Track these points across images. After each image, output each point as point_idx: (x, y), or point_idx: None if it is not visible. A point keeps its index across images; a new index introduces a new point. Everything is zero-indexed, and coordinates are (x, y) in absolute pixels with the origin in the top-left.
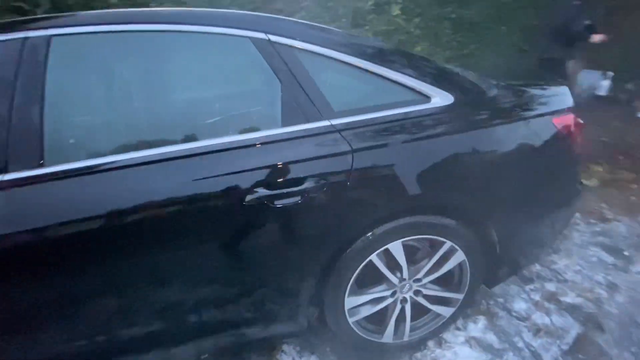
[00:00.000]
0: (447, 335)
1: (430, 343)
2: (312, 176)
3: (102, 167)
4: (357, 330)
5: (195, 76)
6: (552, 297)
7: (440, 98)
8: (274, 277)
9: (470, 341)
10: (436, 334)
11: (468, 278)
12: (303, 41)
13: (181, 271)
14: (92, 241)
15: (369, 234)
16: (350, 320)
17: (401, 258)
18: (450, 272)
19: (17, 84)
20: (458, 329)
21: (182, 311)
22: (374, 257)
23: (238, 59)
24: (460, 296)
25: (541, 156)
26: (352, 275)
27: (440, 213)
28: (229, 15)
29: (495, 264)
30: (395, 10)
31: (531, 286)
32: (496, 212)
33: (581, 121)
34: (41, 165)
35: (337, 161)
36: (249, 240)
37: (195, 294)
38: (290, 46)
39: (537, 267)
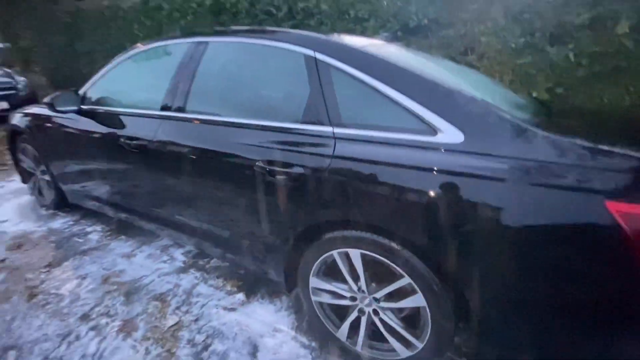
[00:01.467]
0: None
1: None
2: (299, 166)
3: (205, 120)
4: (317, 311)
5: (266, 74)
6: None
7: (445, 135)
8: (256, 223)
9: None
10: None
11: (429, 330)
12: (339, 60)
13: (206, 190)
14: (186, 155)
15: (336, 231)
16: (313, 298)
17: (359, 267)
18: (415, 315)
19: (191, 68)
20: None
21: (196, 216)
22: (335, 254)
23: (292, 67)
24: (419, 344)
25: None
26: (317, 259)
27: (390, 239)
28: (292, 33)
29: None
30: (624, 28)
31: None
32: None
33: None
34: (182, 111)
35: (319, 161)
36: (252, 192)
37: (208, 208)
38: (328, 64)
39: None
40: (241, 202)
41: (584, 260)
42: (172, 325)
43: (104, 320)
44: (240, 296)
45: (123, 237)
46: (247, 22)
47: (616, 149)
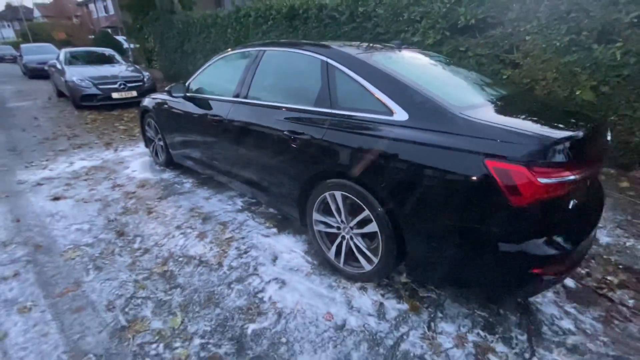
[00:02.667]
0: (368, 285)
1: (356, 285)
2: (306, 134)
3: (256, 103)
4: (317, 237)
5: (295, 72)
6: None
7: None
8: (285, 174)
9: (363, 295)
10: (358, 281)
11: (381, 249)
12: (343, 65)
13: (254, 152)
14: (245, 130)
15: (327, 179)
16: (315, 227)
17: (340, 204)
18: (373, 238)
19: (253, 68)
20: (374, 286)
21: (249, 170)
22: (327, 195)
23: (313, 69)
24: (375, 260)
25: None
26: (316, 199)
27: (358, 184)
28: (317, 45)
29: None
30: None
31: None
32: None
33: None
34: (245, 97)
35: (318, 131)
36: (280, 153)
37: (257, 166)
38: (336, 67)
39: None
40: (275, 160)
41: (473, 196)
42: (227, 238)
43: (189, 231)
44: (274, 230)
45: (205, 187)
46: (315, 25)
47: (503, 125)
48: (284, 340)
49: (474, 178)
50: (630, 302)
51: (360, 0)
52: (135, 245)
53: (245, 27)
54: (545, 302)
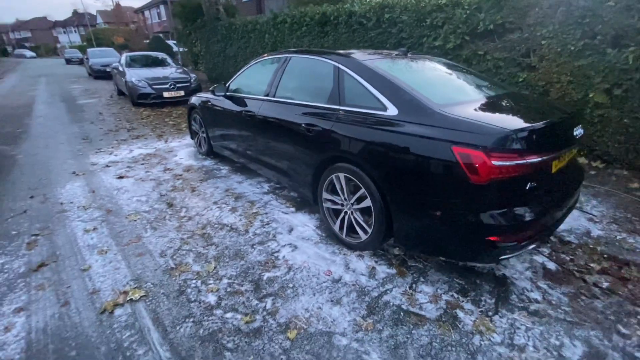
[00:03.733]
0: (365, 253)
1: (355, 253)
2: (318, 126)
3: (281, 101)
4: (325, 213)
5: (313, 75)
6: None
7: (390, 111)
8: (302, 160)
9: (360, 260)
10: (357, 249)
11: (373, 222)
12: (350, 69)
13: (279, 143)
14: (272, 124)
15: (333, 165)
16: (324, 205)
17: (343, 184)
18: (369, 213)
19: (281, 71)
20: (370, 254)
21: (275, 158)
22: (333, 177)
23: (327, 72)
24: (369, 230)
25: None
26: (325, 180)
27: (361, 169)
28: (332, 53)
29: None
30: None
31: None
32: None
33: None
34: (274, 96)
35: (328, 123)
36: (299, 142)
37: (281, 154)
38: (344, 71)
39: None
40: (295, 148)
41: (442, 176)
42: (254, 212)
43: (223, 205)
44: (293, 209)
45: (239, 173)
46: (345, 30)
47: (471, 119)
48: (290, 285)
49: (444, 161)
50: (604, 285)
51: (386, 7)
52: (182, 214)
53: (281, 32)
54: (522, 277)
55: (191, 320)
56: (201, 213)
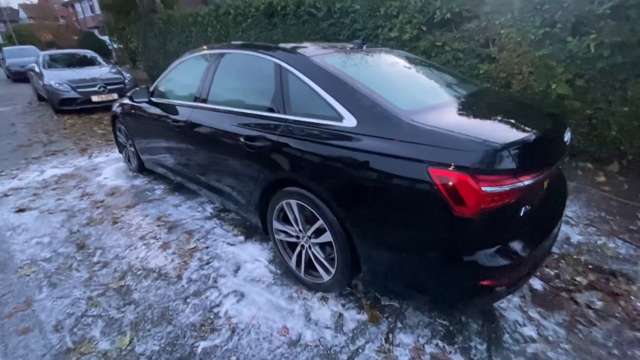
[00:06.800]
0: (330, 295)
1: (317, 295)
2: (260, 141)
3: (215, 108)
4: (279, 246)
5: (250, 76)
6: None
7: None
8: (245, 183)
9: (323, 306)
10: (319, 291)
11: (337, 260)
12: (295, 69)
13: (217, 160)
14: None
15: (283, 189)
16: (276, 236)
17: (296, 213)
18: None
19: (213, 71)
20: (335, 296)
21: (215, 178)
22: (284, 204)
23: (267, 72)
24: (332, 270)
25: None
26: (275, 207)
27: (315, 195)
28: (273, 48)
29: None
30: None
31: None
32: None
33: None
34: (205, 102)
35: (272, 137)
36: (239, 160)
37: (221, 174)
38: (288, 70)
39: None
40: (235, 167)
41: (418, 206)
42: (191, 248)
43: (152, 241)
44: (241, 238)
45: (177, 193)
46: (294, 21)
47: (449, 130)
48: (233, 359)
49: (419, 187)
50: (597, 304)
51: None
52: (95, 259)
53: (225, 25)
54: (510, 307)
55: None
56: (121, 255)
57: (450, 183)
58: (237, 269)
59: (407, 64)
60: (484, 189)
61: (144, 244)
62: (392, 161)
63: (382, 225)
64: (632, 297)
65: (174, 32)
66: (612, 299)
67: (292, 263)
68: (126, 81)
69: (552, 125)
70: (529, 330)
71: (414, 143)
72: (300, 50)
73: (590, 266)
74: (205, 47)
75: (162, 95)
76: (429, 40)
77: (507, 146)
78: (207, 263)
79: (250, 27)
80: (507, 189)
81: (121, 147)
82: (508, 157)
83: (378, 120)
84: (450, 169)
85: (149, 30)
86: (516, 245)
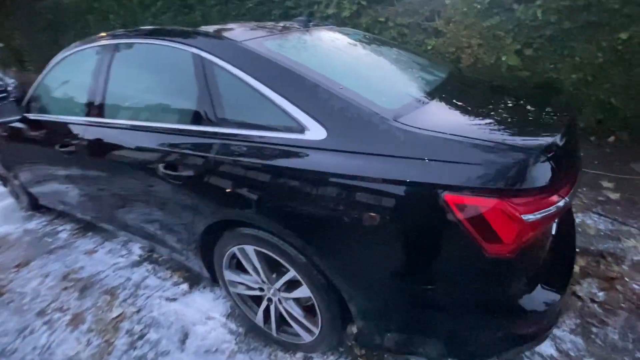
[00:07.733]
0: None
1: (299, 354)
2: (186, 167)
3: (116, 124)
4: (237, 301)
5: (162, 75)
6: None
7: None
8: (177, 225)
9: None
10: (302, 351)
11: (320, 317)
12: (223, 60)
13: (132, 195)
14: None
15: (230, 229)
16: (230, 289)
17: (255, 262)
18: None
19: (105, 70)
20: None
21: (136, 218)
22: (235, 250)
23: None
24: (316, 330)
25: None
26: (224, 254)
27: (272, 234)
28: (190, 33)
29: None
30: None
31: None
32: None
33: None
34: (101, 115)
35: (203, 160)
36: (162, 194)
37: (142, 213)
38: (213, 62)
39: None
40: (161, 205)
41: (430, 248)
42: (115, 317)
43: (56, 315)
44: (184, 286)
45: (90, 234)
46: (215, 2)
47: (461, 135)
48: None
49: (430, 222)
50: (600, 296)
51: None
52: None
53: (131, 11)
54: None
55: None
56: (8, 350)
57: (477, 213)
58: (185, 337)
59: (370, 46)
60: (524, 217)
61: (45, 323)
62: (385, 187)
63: (381, 275)
64: (627, 279)
65: (67, 23)
66: (609, 284)
67: (259, 319)
68: (10, 87)
69: (570, 118)
70: (547, 348)
71: (414, 159)
72: (227, 34)
73: (577, 250)
74: (104, 34)
75: (42, 108)
76: (371, 16)
77: (543, 152)
78: (141, 337)
79: (161, 12)
80: (551, 212)
81: (5, 181)
82: (546, 168)
83: (357, 128)
84: (474, 192)
85: (34, 22)
86: (554, 282)
